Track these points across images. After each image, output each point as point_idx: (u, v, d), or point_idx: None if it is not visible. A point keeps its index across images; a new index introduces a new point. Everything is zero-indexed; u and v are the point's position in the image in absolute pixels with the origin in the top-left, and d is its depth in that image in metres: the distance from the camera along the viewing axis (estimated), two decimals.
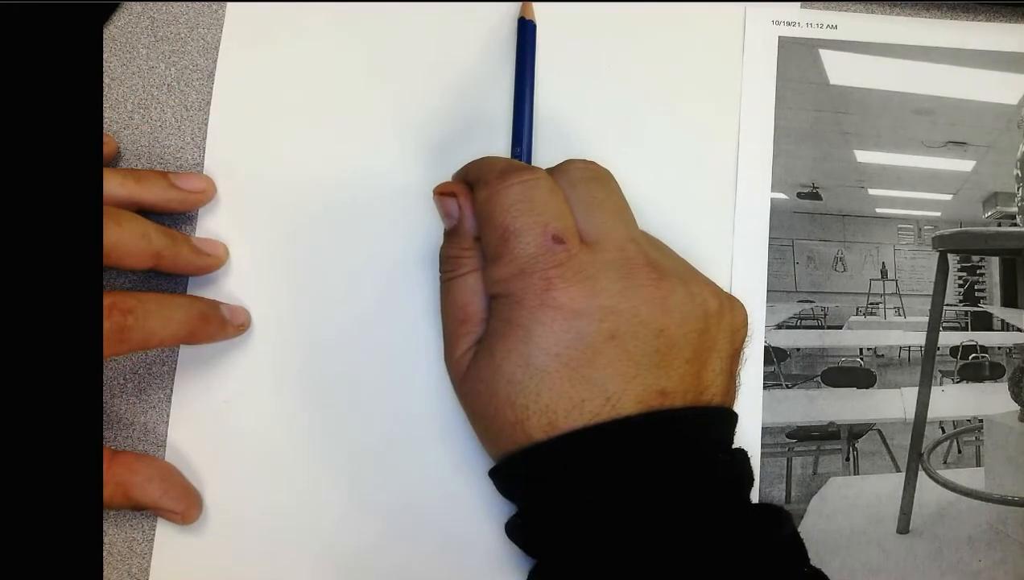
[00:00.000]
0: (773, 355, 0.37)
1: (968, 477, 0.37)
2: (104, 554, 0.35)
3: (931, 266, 0.39)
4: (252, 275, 0.36)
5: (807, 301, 0.38)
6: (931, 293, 0.39)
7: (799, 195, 0.37)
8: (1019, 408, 0.38)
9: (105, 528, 0.35)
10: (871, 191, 0.39)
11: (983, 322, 0.39)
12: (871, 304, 0.39)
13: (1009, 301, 0.39)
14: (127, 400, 0.35)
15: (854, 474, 0.37)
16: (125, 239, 0.30)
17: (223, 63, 0.37)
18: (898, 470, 0.37)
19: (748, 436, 0.36)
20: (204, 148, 0.37)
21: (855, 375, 0.38)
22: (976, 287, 0.39)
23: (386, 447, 0.35)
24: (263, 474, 0.35)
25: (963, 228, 0.39)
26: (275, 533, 0.34)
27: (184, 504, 0.33)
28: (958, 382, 0.38)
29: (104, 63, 0.37)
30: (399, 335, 0.35)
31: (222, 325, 0.34)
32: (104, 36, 0.37)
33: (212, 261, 0.35)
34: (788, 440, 0.37)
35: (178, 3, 0.37)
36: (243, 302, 0.35)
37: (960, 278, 0.39)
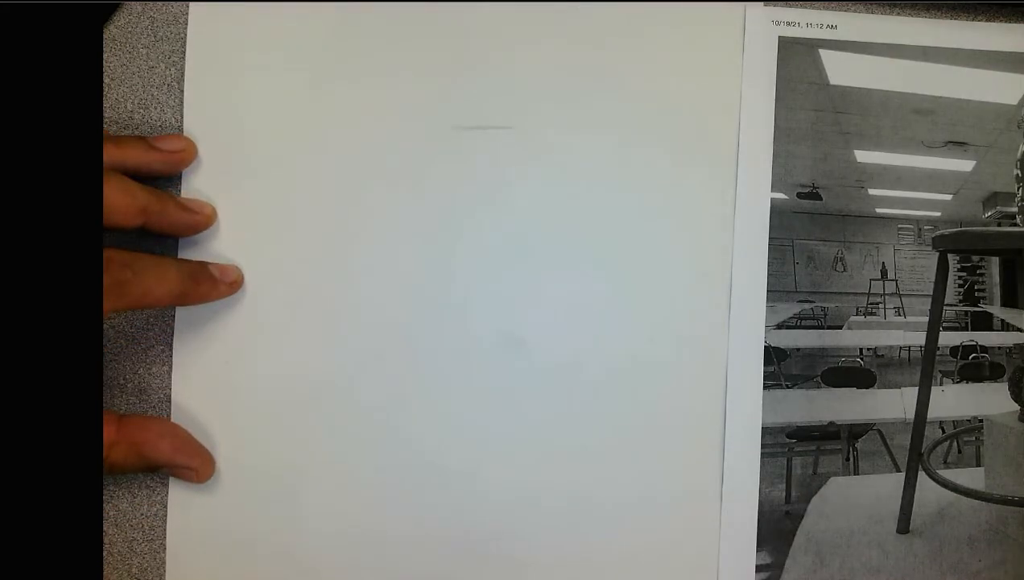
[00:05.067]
0: (773, 355, 0.37)
1: (968, 477, 0.37)
2: (117, 521, 0.35)
3: (931, 266, 0.39)
4: (241, 236, 0.36)
5: (807, 301, 0.38)
6: (931, 293, 0.39)
7: (799, 195, 0.37)
8: (1019, 408, 0.38)
9: (116, 493, 0.35)
10: (871, 191, 0.38)
11: (983, 322, 0.39)
12: (871, 304, 0.39)
13: (1009, 301, 0.39)
14: (129, 367, 0.36)
15: (854, 474, 0.37)
16: (109, 194, 0.30)
17: (194, 20, 0.37)
18: (898, 470, 0.37)
19: (748, 436, 0.36)
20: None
21: (855, 375, 0.38)
22: (976, 287, 0.39)
23: (387, 399, 0.36)
24: (270, 433, 0.35)
25: (963, 228, 0.38)
26: (286, 489, 0.35)
27: (198, 460, 0.34)
28: (958, 382, 0.38)
29: (104, 63, 0.37)
30: (392, 285, 0.36)
31: (213, 284, 0.34)
32: (104, 36, 0.37)
33: (200, 219, 0.35)
34: (788, 440, 0.37)
35: (178, 3, 0.37)
36: (233, 260, 0.36)
37: (960, 278, 0.39)
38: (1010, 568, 0.36)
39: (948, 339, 0.39)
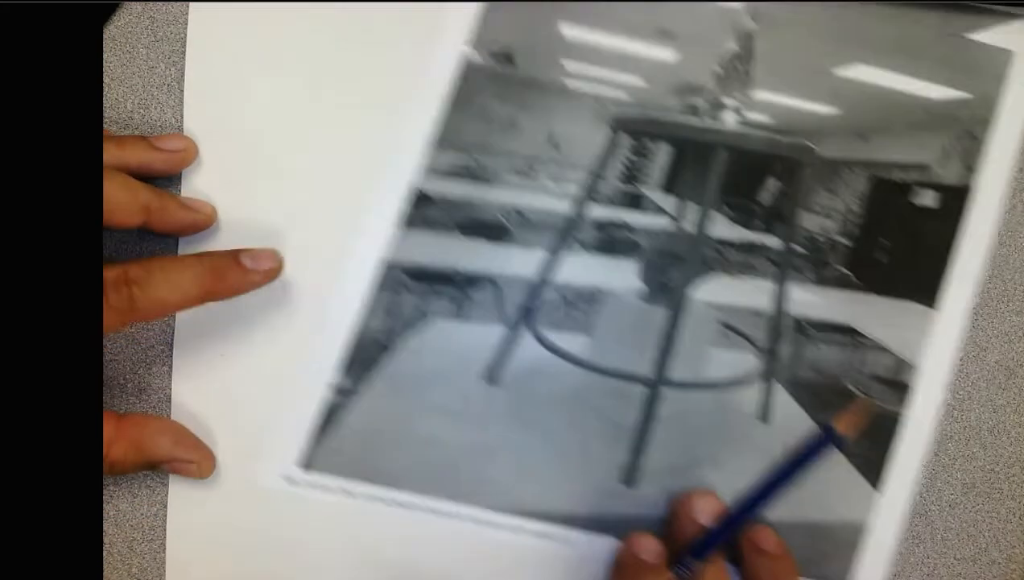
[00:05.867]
0: (418, 197, 0.37)
1: (571, 342, 0.38)
2: (117, 521, 0.35)
3: (600, 141, 0.38)
4: (241, 236, 0.36)
5: (468, 153, 0.38)
6: (593, 166, 0.38)
7: (491, 55, 0.38)
8: (646, 289, 0.38)
9: (116, 493, 0.35)
10: (566, 64, 0.38)
11: (637, 203, 0.39)
12: (531, 167, 0.38)
13: (668, 187, 0.39)
14: (129, 367, 0.36)
15: (461, 320, 0.37)
16: (111, 192, 0.31)
17: (194, 20, 0.37)
18: (507, 325, 0.37)
19: (368, 264, 0.36)
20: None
21: (493, 230, 0.38)
22: (641, 169, 0.39)
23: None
24: (270, 432, 0.36)
25: (645, 112, 0.38)
26: (287, 489, 0.36)
27: (198, 454, 0.34)
28: (592, 253, 0.38)
29: (104, 63, 0.37)
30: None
31: (243, 275, 0.33)
32: (104, 36, 0.37)
33: (201, 218, 0.35)
34: (404, 277, 0.37)
35: (178, 3, 0.37)
36: None
37: (627, 158, 0.39)
38: (590, 434, 0.36)
39: (596, 212, 0.38)
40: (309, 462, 0.36)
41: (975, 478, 0.36)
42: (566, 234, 0.38)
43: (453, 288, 0.37)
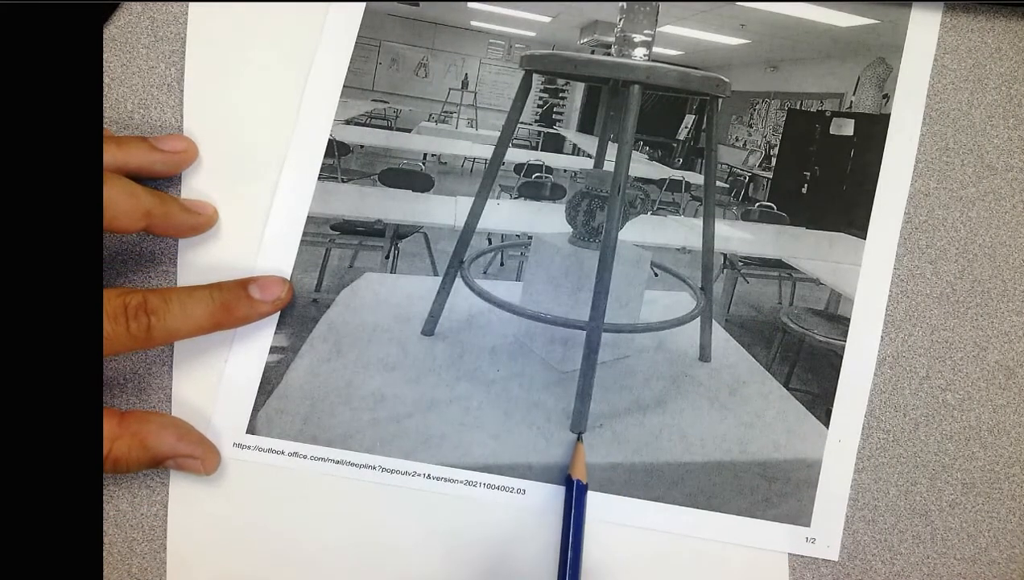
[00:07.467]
0: (335, 148, 0.37)
1: (505, 290, 0.37)
2: (117, 521, 0.35)
3: (513, 83, 0.38)
4: (241, 236, 0.36)
5: (382, 101, 0.38)
6: (508, 109, 0.38)
7: None
8: (570, 230, 0.37)
9: (116, 493, 0.35)
10: (470, 4, 0.38)
11: (555, 144, 0.39)
12: (445, 112, 0.39)
13: (585, 127, 0.39)
14: (129, 366, 0.36)
15: (391, 272, 0.37)
16: (113, 197, 0.31)
17: (194, 20, 0.37)
18: (436, 274, 0.37)
19: (291, 221, 0.36)
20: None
21: (413, 178, 0.38)
22: (555, 110, 0.39)
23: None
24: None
25: (555, 51, 0.38)
26: (288, 489, 0.35)
27: (202, 449, 0.34)
28: (516, 198, 0.38)
29: (104, 63, 0.37)
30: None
31: (251, 307, 0.34)
32: (104, 36, 0.37)
33: (203, 220, 0.35)
34: (331, 232, 0.37)
35: (178, 3, 0.37)
36: (234, 260, 0.36)
37: (541, 99, 0.39)
38: (526, 381, 0.36)
39: (516, 156, 0.38)
40: (253, 426, 0.35)
41: (975, 478, 0.36)
42: (488, 181, 0.37)
43: (380, 240, 0.37)
